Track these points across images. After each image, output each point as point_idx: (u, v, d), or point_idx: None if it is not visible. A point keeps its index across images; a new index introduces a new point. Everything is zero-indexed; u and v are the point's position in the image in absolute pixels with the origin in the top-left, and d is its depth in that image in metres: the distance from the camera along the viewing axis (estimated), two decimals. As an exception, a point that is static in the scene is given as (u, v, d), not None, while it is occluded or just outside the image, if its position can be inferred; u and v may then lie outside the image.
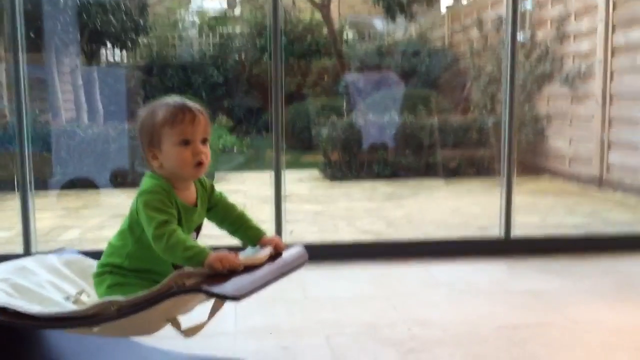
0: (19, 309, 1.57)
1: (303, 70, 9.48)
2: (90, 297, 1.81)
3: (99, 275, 1.67)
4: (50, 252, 2.04)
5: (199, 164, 1.59)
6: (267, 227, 4.02)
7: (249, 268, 1.52)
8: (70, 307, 1.69)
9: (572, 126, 6.44)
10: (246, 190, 5.92)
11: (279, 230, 3.33)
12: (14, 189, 5.56)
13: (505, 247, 3.35)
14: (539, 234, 3.79)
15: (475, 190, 5.90)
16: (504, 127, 3.49)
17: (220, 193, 1.76)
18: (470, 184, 6.25)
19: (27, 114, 3.14)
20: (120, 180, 6.13)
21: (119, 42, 9.52)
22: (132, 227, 1.60)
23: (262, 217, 4.78)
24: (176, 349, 2.00)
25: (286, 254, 1.71)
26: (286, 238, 3.34)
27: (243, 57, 10.18)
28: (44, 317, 1.55)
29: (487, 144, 6.85)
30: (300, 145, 7.94)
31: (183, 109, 1.58)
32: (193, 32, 10.63)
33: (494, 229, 3.47)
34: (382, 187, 6.16)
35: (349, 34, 10.82)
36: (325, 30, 10.09)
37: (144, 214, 1.52)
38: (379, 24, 10.92)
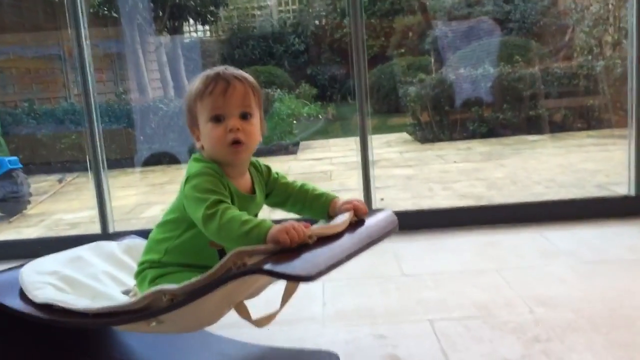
0: (66, 306, 1.34)
1: (386, 30, 9.04)
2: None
3: (138, 275, 1.42)
4: (114, 239, 1.81)
5: (235, 142, 1.28)
6: (355, 195, 3.71)
7: (324, 239, 1.20)
8: (122, 300, 1.44)
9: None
10: (332, 157, 5.61)
11: (367, 197, 2.99)
12: (111, 167, 5.62)
13: (637, 207, 2.82)
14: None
15: (586, 144, 5.27)
16: (630, 69, 2.91)
17: (277, 174, 1.46)
18: (580, 137, 5.60)
19: (94, 91, 2.99)
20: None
21: (200, 17, 9.49)
22: (177, 218, 1.34)
23: (349, 184, 4.50)
24: (255, 340, 1.72)
25: (370, 220, 1.36)
26: (376, 207, 3.00)
27: (324, 22, 9.90)
28: (91, 313, 1.31)
29: (597, 92, 6.13)
30: (386, 109, 7.56)
31: (215, 78, 1.29)
32: (272, 1, 10.44)
33: (618, 187, 2.95)
34: (478, 147, 5.66)
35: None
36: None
37: (192, 198, 1.24)
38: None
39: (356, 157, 3.13)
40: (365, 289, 2.17)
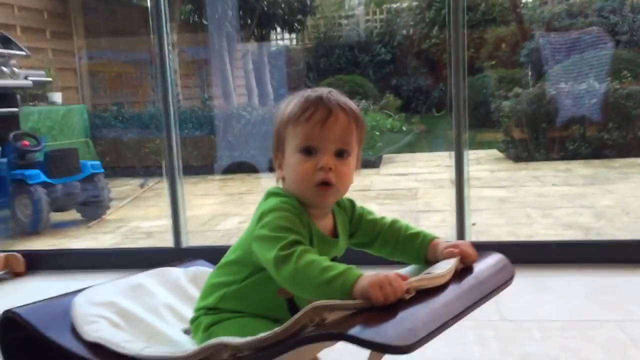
0: (117, 349, 1.14)
1: (476, 41, 8.69)
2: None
3: (193, 322, 1.22)
4: (181, 264, 1.62)
5: (324, 183, 1.05)
6: (445, 217, 3.40)
7: (423, 293, 0.94)
8: (187, 346, 1.24)
9: None
10: (417, 173, 5.31)
11: (460, 222, 2.71)
12: (186, 175, 5.60)
13: None
14: None
15: None
16: None
17: (363, 209, 1.20)
18: (699, 163, 5.02)
19: (173, 97, 2.89)
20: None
21: (287, 25, 9.51)
22: (241, 260, 1.12)
23: (436, 204, 4.19)
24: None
25: (479, 268, 1.09)
26: (469, 234, 2.70)
27: (411, 32, 9.67)
28: (143, 360, 1.11)
29: None
30: (475, 123, 7.15)
31: (316, 103, 1.05)
32: (360, 10, 10.32)
33: None
34: (579, 169, 5.18)
35: (529, -1, 9.74)
36: (500, -2, 9.17)
37: (263, 238, 1.02)
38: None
39: (443, 174, 2.84)
40: (459, 334, 1.88)
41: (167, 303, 1.41)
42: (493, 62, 8.56)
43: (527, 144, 5.78)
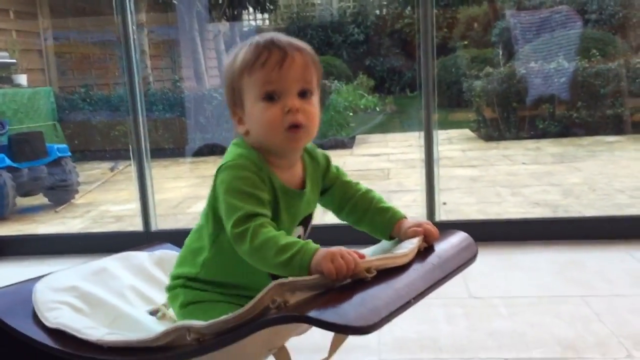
0: (79, 334, 1.12)
1: (449, 21, 8.70)
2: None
3: (171, 290, 1.19)
4: (147, 247, 1.60)
5: (294, 126, 1.01)
6: (416, 197, 3.42)
7: (385, 272, 0.94)
8: (153, 327, 1.22)
9: None
10: (390, 153, 5.32)
11: (430, 201, 2.72)
12: (157, 158, 5.52)
13: None
14: None
15: (673, 148, 4.80)
16: None
17: (337, 168, 1.17)
18: (664, 140, 5.12)
19: (139, 78, 2.83)
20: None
21: (259, 5, 9.39)
22: (210, 218, 1.08)
23: (408, 184, 4.21)
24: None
25: (442, 247, 1.09)
26: (439, 213, 2.71)
27: (384, 12, 9.63)
28: (105, 346, 1.09)
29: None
30: (447, 103, 7.20)
31: (269, 47, 1.01)
32: (333, -11, 10.24)
33: None
34: (549, 147, 5.24)
35: (499, -24, 9.77)
36: (472, -26, 9.17)
37: (223, 201, 1.00)
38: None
39: (415, 155, 2.85)
40: (428, 312, 1.89)
41: (131, 285, 1.39)
42: (465, 42, 8.57)
43: (498, 123, 5.83)
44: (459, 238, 1.16)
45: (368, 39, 9.20)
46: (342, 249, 0.91)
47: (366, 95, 7.87)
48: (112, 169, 5.34)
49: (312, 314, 0.85)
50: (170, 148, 5.95)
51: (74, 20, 7.47)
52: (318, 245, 0.94)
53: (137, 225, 3.22)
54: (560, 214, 3.10)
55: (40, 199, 3.98)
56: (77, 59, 7.49)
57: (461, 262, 1.08)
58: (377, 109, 7.90)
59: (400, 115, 7.95)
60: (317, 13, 9.65)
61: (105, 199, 4.23)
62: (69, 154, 3.94)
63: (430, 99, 2.69)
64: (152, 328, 1.20)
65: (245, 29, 9.85)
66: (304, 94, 1.02)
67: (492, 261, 2.35)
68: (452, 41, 8.49)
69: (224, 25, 9.38)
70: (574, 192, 3.56)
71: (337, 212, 1.16)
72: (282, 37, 1.03)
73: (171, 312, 1.29)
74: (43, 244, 2.82)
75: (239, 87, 1.04)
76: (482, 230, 2.64)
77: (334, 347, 1.09)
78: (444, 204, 3.26)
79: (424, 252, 1.06)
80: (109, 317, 1.24)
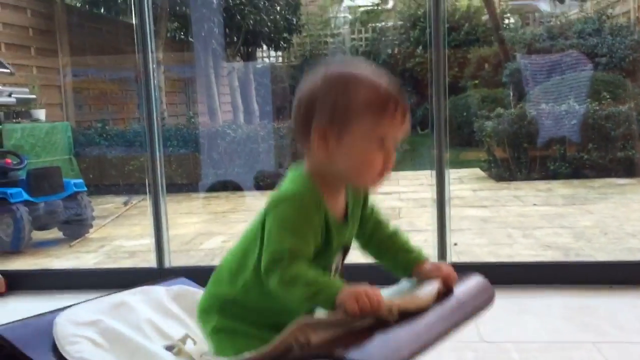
0: (100, 370, 1.15)
1: (460, 60, 8.81)
2: (197, 345, 1.36)
3: (204, 311, 1.19)
4: (158, 282, 1.63)
5: (385, 173, 1.07)
6: (427, 236, 3.43)
7: (407, 314, 0.97)
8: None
9: None
10: (400, 192, 5.35)
11: (442, 242, 2.74)
12: (170, 193, 5.58)
13: None
14: None
15: (685, 192, 4.79)
16: None
17: (374, 207, 1.20)
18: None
19: (157, 115, 2.89)
20: (265, 182, 5.91)
21: (273, 43, 9.58)
22: (255, 242, 1.09)
23: (419, 224, 4.22)
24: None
25: (461, 291, 1.11)
26: (450, 253, 2.73)
27: (396, 50, 9.78)
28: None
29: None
30: (458, 142, 7.24)
31: (396, 100, 1.05)
32: (345, 29, 10.44)
33: None
34: (559, 189, 5.25)
35: (511, 20, 9.92)
36: (484, 17, 9.32)
37: (272, 229, 1.02)
38: (545, 6, 9.85)
39: (426, 194, 2.88)
40: (439, 356, 1.89)
41: (149, 319, 1.41)
42: (476, 82, 8.67)
43: (509, 163, 5.86)
44: (476, 282, 1.18)
45: (380, 78, 9.37)
46: (367, 288, 0.95)
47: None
48: (125, 203, 5.40)
49: (339, 353, 0.87)
50: (183, 183, 6.01)
51: (92, 57, 7.66)
52: (343, 283, 0.97)
53: (150, 261, 3.26)
54: (572, 257, 3.10)
55: (55, 233, 4.03)
56: (94, 95, 7.65)
57: (479, 306, 1.11)
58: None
59: (411, 153, 8.00)
60: (330, 51, 9.81)
61: (119, 233, 4.28)
62: (85, 188, 4.00)
63: (442, 138, 2.72)
64: (168, 364, 1.22)
65: (259, 66, 10.05)
66: (396, 146, 1.08)
67: (503, 305, 2.34)
68: (463, 80, 8.60)
69: (238, 63, 9.57)
70: (585, 235, 3.56)
71: (364, 246, 1.19)
72: (396, 85, 1.07)
73: (187, 348, 1.32)
74: (57, 279, 2.86)
75: (350, 116, 1.04)
76: (494, 273, 2.61)
77: None
78: (455, 244, 3.27)
79: (443, 295, 1.09)
80: (127, 352, 1.26)
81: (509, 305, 2.34)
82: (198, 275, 1.64)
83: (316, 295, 0.97)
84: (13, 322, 1.33)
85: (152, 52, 2.86)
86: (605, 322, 2.14)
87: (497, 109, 6.06)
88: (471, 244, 3.45)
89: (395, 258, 1.16)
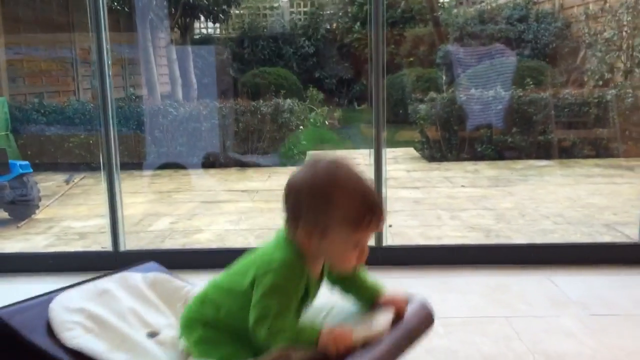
0: (97, 357, 1.34)
1: (396, 38, 9.06)
2: (174, 333, 1.57)
3: (188, 325, 1.40)
4: (134, 266, 1.81)
5: (359, 263, 1.30)
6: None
7: (367, 343, 1.24)
8: (155, 351, 1.45)
9: None
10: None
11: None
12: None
13: (646, 255, 2.84)
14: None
15: (594, 174, 5.27)
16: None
17: None
18: (588, 166, 5.61)
19: (111, 93, 2.95)
20: (210, 161, 6.05)
21: (211, 15, 9.51)
22: (242, 294, 1.29)
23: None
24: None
25: (409, 319, 1.40)
26: (386, 236, 3.00)
27: (334, 26, 9.92)
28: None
29: (607, 120, 6.14)
30: (393, 120, 7.52)
31: (374, 211, 1.24)
32: (284, 2, 10.46)
33: (625, 229, 2.97)
34: (486, 170, 5.67)
35: (445, -1, 10.24)
36: (420, -5, 9.59)
37: (262, 293, 1.23)
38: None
39: (366, 173, 3.09)
40: (375, 332, 2.18)
41: (131, 307, 1.59)
42: (411, 59, 8.97)
43: (441, 145, 6.23)
44: (421, 309, 1.46)
45: (318, 52, 9.48)
46: (341, 331, 1.21)
47: (315, 109, 8.16)
48: (67, 182, 5.41)
49: None
50: (125, 162, 6.05)
51: (25, 26, 7.45)
52: (320, 326, 1.23)
53: (102, 244, 3.40)
54: (492, 238, 3.46)
55: (0, 214, 4.07)
56: (28, 68, 7.46)
57: (422, 331, 1.40)
58: (326, 122, 8.19)
59: (348, 131, 8.23)
60: (269, 24, 9.85)
61: (66, 214, 4.34)
62: (31, 170, 4.04)
63: (381, 118, 2.89)
64: (153, 352, 1.43)
65: (196, 37, 9.98)
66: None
67: (431, 284, 2.67)
68: (398, 58, 8.87)
69: (175, 34, 9.49)
70: (505, 217, 3.95)
71: (333, 283, 1.42)
72: (374, 193, 1.26)
73: (167, 334, 1.52)
74: (15, 262, 2.96)
75: (331, 225, 1.22)
76: (425, 254, 2.96)
77: None
78: (390, 226, 3.55)
79: (395, 323, 1.34)
80: (116, 338, 1.45)
81: (436, 284, 2.65)
82: (153, 258, 1.83)
83: (299, 342, 1.20)
84: (9, 305, 1.49)
85: (105, 30, 2.89)
86: (516, 299, 2.49)
87: (430, 93, 6.39)
88: (404, 225, 3.76)
89: (359, 293, 1.41)
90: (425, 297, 1.47)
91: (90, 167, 5.93)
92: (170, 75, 9.02)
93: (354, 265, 1.29)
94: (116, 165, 2.94)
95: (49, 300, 1.52)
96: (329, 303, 1.46)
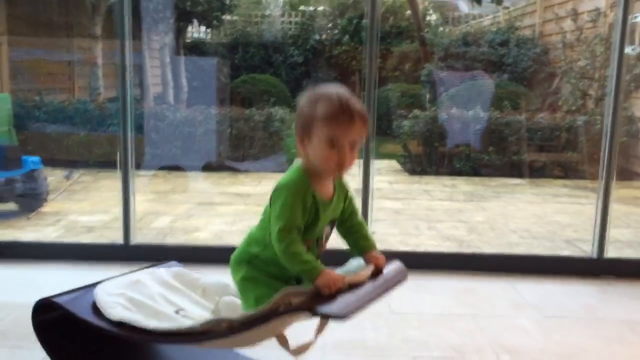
0: (137, 324, 1.67)
1: (383, 53, 9.34)
2: (197, 310, 1.90)
3: (237, 262, 1.71)
4: (156, 264, 2.14)
5: (340, 166, 1.58)
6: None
7: (353, 286, 1.56)
8: (182, 321, 1.78)
9: (671, 131, 6.09)
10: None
11: (363, 231, 3.29)
12: (107, 169, 5.89)
13: (597, 269, 3.23)
14: (633, 256, 3.64)
15: (561, 194, 5.71)
16: (605, 131, 3.32)
17: (352, 198, 1.76)
18: (556, 186, 6.05)
19: (131, 99, 3.25)
20: (204, 165, 6.36)
21: (206, 21, 9.75)
22: (269, 217, 1.62)
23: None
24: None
25: (387, 271, 1.72)
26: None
27: (324, 37, 10.21)
28: (159, 332, 1.65)
29: (577, 144, 6.60)
30: (377, 132, 7.83)
31: (343, 109, 1.55)
32: (276, 11, 10.73)
33: (583, 244, 3.36)
34: (462, 185, 6.06)
35: (433, 16, 10.62)
36: (407, 12, 9.93)
37: (277, 208, 1.56)
38: (464, 6, 10.64)
39: (350, 184, 3.38)
40: (359, 323, 2.52)
41: (159, 292, 1.93)
42: (397, 73, 9.32)
43: (422, 159, 6.62)
44: (396, 266, 1.80)
45: (307, 62, 9.77)
46: (335, 277, 1.52)
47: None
48: (67, 178, 5.68)
49: (312, 308, 1.46)
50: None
51: (28, 28, 7.69)
52: (323, 268, 1.54)
53: (109, 237, 3.71)
54: (464, 248, 3.83)
55: (8, 206, 4.34)
56: (29, 65, 7.69)
57: (397, 281, 1.72)
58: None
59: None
60: (260, 32, 10.10)
61: (70, 208, 4.63)
62: (41, 166, 4.33)
63: (371, 130, 3.20)
64: (183, 322, 1.76)
65: (188, 41, 10.23)
66: (352, 145, 1.58)
67: (408, 285, 2.98)
68: (385, 71, 9.21)
69: (169, 38, 9.73)
70: (477, 230, 4.33)
71: (338, 226, 1.73)
72: (352, 102, 1.56)
73: (191, 312, 1.85)
74: (36, 250, 3.25)
75: (311, 126, 1.54)
76: (404, 259, 3.28)
77: (320, 330, 1.69)
78: (374, 233, 3.90)
79: (376, 273, 1.68)
80: (150, 314, 1.78)
81: (413, 286, 2.97)
82: (161, 252, 2.15)
83: (305, 272, 1.54)
84: (62, 293, 1.82)
85: (129, 38, 3.17)
86: (481, 301, 2.85)
87: (415, 111, 6.78)
88: (386, 233, 4.12)
89: (356, 241, 1.73)
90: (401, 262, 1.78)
91: (87, 164, 6.22)
92: (162, 78, 9.25)
93: (334, 168, 1.55)
94: (132, 164, 3.24)
95: (92, 289, 1.86)
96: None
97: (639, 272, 3.22)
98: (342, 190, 1.71)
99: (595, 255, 3.26)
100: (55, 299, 1.77)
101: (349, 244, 1.75)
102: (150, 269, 2.05)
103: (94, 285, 1.90)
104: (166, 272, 2.06)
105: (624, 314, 2.74)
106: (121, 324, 1.69)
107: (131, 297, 1.84)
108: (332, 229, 1.73)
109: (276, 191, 1.59)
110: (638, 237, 4.25)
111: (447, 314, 2.69)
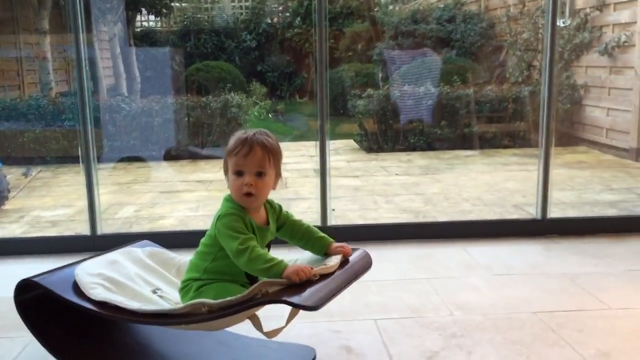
0: (120, 304, 1.78)
1: (335, 34, 9.46)
2: (171, 290, 2.02)
3: (183, 289, 1.87)
4: (130, 244, 2.24)
5: (248, 194, 1.75)
6: (311, 204, 4.21)
7: (323, 276, 1.71)
8: (162, 303, 1.89)
9: (610, 97, 6.42)
10: (286, 162, 6.08)
11: (323, 208, 3.42)
12: (66, 164, 5.88)
13: (542, 229, 3.47)
14: (574, 215, 3.91)
15: (511, 163, 5.98)
16: (542, 100, 3.55)
17: (287, 213, 1.92)
18: (506, 155, 6.32)
19: (89, 92, 3.30)
20: (164, 154, 6.41)
21: (154, 9, 9.66)
22: (211, 247, 1.80)
23: (303, 192, 5.00)
24: (244, 332, 2.21)
25: (353, 259, 1.89)
26: (330, 218, 3.50)
27: (275, 20, 10.25)
28: (141, 313, 1.76)
29: (523, 114, 6.89)
30: (333, 113, 7.97)
31: (243, 141, 1.75)
32: (226, -4, 10.67)
33: (530, 208, 3.59)
34: (418, 159, 6.28)
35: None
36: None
37: (225, 234, 1.71)
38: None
39: (307, 164, 3.51)
40: (323, 292, 2.69)
41: (136, 272, 2.04)
42: (350, 54, 9.46)
43: (378, 137, 6.81)
44: (361, 253, 1.96)
45: (259, 46, 9.81)
46: (302, 266, 1.67)
47: (259, 102, 8.56)
48: (25, 175, 5.66)
49: (285, 298, 1.60)
50: (76, 156, 6.31)
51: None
52: (287, 263, 1.68)
53: (74, 230, 3.77)
54: (420, 218, 4.04)
55: (-32, 205, 4.33)
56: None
57: (364, 268, 1.91)
58: (270, 115, 8.61)
59: (293, 123, 8.65)
60: (210, 18, 10.07)
61: (32, 205, 4.64)
62: (1, 164, 4.33)
63: (324, 111, 3.30)
64: (162, 303, 1.88)
65: (138, 30, 10.12)
66: (259, 174, 1.76)
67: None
68: (337, 52, 9.34)
69: (118, 28, 9.61)
70: (432, 201, 4.54)
71: (290, 240, 1.92)
72: (256, 136, 1.76)
73: (167, 292, 1.98)
74: (2, 246, 3.29)
75: (226, 161, 1.79)
76: (363, 232, 3.49)
77: (291, 317, 1.83)
78: (333, 210, 4.05)
79: (343, 263, 1.84)
80: (130, 294, 1.89)
81: (373, 255, 3.14)
82: (128, 240, 2.25)
83: (272, 267, 1.66)
84: (42, 273, 1.91)
85: (83, 32, 3.22)
86: (436, 265, 3.05)
87: (368, 90, 6.95)
88: (345, 209, 4.29)
89: (313, 244, 1.90)
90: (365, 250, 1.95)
91: (45, 160, 6.19)
92: (114, 70, 9.16)
93: (242, 195, 1.74)
94: (93, 157, 3.31)
95: (72, 268, 1.96)
96: (292, 257, 1.95)
97: (581, 229, 3.48)
98: (273, 212, 1.88)
99: (539, 217, 3.50)
100: (37, 279, 1.86)
101: (309, 250, 1.92)
102: (126, 249, 2.16)
103: (74, 264, 1.99)
104: (142, 251, 2.17)
105: (566, 268, 2.98)
106: (103, 304, 1.80)
107: (111, 277, 1.94)
108: (269, 251, 1.87)
109: (218, 220, 1.75)
110: (581, 198, 4.54)
111: (404, 279, 2.87)
